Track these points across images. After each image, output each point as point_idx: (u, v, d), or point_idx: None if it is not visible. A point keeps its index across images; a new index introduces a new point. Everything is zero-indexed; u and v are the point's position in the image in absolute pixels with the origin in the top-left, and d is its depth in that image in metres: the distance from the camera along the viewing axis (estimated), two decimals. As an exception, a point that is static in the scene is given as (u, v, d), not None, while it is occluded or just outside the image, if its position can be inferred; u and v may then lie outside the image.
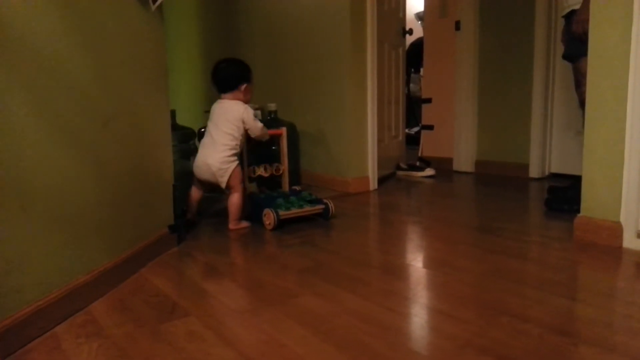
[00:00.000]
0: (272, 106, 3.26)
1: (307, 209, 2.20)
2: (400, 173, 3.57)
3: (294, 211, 2.16)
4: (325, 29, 3.02)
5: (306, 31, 3.19)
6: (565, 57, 2.27)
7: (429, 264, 1.66)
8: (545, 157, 3.26)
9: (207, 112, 3.41)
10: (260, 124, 2.25)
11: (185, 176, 2.82)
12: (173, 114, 2.89)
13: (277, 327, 1.17)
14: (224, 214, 2.26)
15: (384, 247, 1.89)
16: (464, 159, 3.67)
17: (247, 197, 2.27)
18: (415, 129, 5.25)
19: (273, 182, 2.52)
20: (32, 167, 1.16)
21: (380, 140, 3.16)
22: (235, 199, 2.15)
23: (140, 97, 1.68)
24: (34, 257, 1.15)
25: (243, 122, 2.19)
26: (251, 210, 2.24)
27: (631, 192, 1.70)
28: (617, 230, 1.74)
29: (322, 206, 2.24)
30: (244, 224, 2.19)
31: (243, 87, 2.23)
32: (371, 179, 3.02)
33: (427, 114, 4.07)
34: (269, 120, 3.23)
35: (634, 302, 1.32)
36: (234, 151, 2.15)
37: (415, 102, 5.26)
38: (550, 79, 3.21)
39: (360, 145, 2.97)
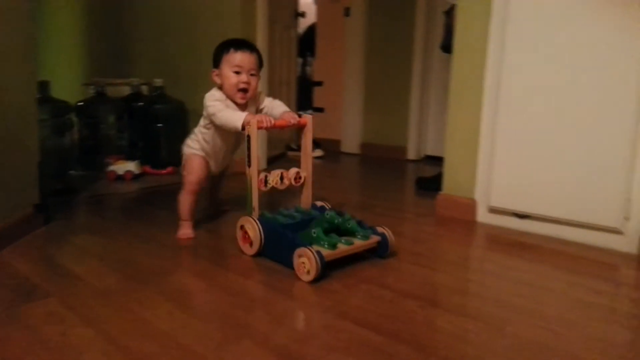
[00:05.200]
0: (158, 82, 3.14)
1: (360, 243, 1.45)
2: (290, 154, 3.63)
3: (343, 249, 1.40)
4: (215, 6, 2.96)
5: (196, 6, 3.09)
6: (442, 47, 2.44)
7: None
8: (421, 140, 3.52)
9: (86, 84, 3.21)
10: (220, 114, 1.60)
11: (59, 153, 2.64)
12: (46, 85, 2.68)
13: (144, 305, 1.17)
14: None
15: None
16: (351, 141, 3.83)
17: (187, 194, 1.71)
18: (310, 112, 5.35)
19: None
20: None
21: (270, 121, 3.18)
22: (179, 196, 1.73)
23: (2, 68, 1.54)
24: None
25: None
26: (265, 243, 1.48)
27: (484, 172, 1.91)
28: (472, 206, 1.95)
29: (377, 238, 1.50)
30: (185, 232, 1.70)
31: (214, 72, 1.68)
32: (260, 159, 3.04)
33: (318, 96, 4.17)
34: (155, 97, 3.12)
35: (484, 270, 1.51)
36: (194, 138, 1.75)
37: (312, 84, 5.35)
38: (428, 67, 3.44)
39: (249, 125, 2.97)
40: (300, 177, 1.67)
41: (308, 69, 6.14)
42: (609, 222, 1.62)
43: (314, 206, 1.70)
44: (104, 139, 2.97)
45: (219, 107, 1.61)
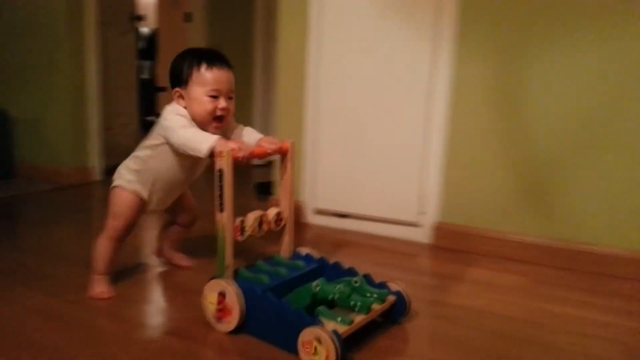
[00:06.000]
0: (-31, 88, 2.82)
1: (377, 307, 1.16)
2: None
3: (361, 319, 1.10)
4: (37, 5, 2.74)
5: (16, 5, 2.83)
6: None
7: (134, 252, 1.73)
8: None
9: None
10: (181, 131, 1.23)
11: None
12: None
13: (-64, 340, 1.09)
14: None
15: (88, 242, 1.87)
16: (198, 147, 3.83)
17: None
18: (154, 118, 5.22)
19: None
20: None
21: (108, 128, 3.06)
22: (97, 242, 1.38)
23: None
24: None
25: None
26: (250, 316, 1.13)
27: (310, 176, 2.08)
28: (301, 208, 2.11)
29: (392, 298, 1.22)
30: (101, 290, 1.34)
31: (176, 92, 1.32)
32: (96, 169, 2.90)
33: (163, 102, 4.08)
34: (-34, 104, 2.79)
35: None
36: (132, 162, 1.36)
37: (156, 90, 5.20)
38: (270, 73, 3.59)
39: (79, 133, 2.82)
40: (281, 220, 1.34)
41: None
42: (408, 217, 1.89)
43: (297, 255, 1.37)
44: None
45: (180, 122, 1.24)
